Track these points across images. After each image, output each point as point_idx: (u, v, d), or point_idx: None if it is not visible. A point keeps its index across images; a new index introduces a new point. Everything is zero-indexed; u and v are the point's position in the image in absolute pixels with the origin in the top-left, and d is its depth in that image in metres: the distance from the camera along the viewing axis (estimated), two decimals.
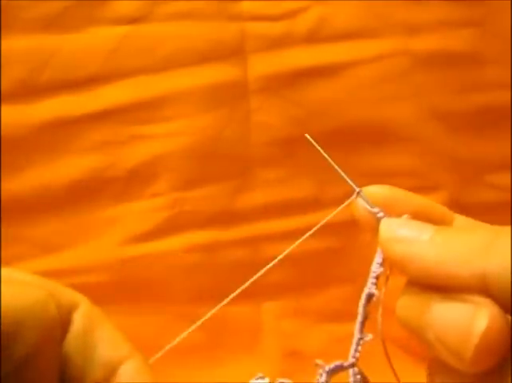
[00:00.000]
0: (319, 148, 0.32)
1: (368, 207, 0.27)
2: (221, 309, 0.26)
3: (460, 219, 0.27)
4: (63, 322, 0.23)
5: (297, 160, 0.58)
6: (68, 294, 0.24)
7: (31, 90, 0.55)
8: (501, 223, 0.63)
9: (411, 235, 0.24)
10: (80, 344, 0.23)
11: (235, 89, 0.57)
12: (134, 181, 0.57)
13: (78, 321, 0.23)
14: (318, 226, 0.29)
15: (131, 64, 0.56)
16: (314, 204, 0.58)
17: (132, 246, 0.58)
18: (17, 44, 0.54)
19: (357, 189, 0.28)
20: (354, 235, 0.57)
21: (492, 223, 0.63)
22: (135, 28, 0.56)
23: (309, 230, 0.28)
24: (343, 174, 0.30)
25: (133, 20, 0.56)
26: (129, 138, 0.57)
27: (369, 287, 0.26)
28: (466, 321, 0.21)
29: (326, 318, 0.60)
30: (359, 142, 0.58)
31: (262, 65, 0.57)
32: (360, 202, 0.28)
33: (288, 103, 0.57)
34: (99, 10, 0.55)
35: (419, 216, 0.25)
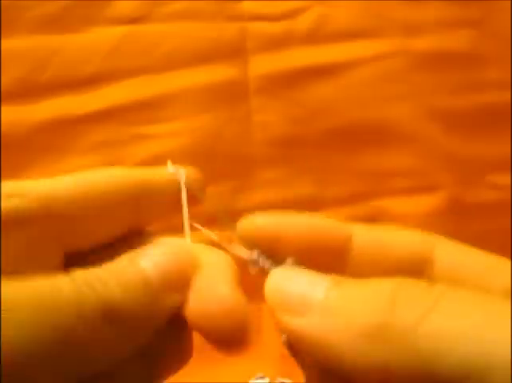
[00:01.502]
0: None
1: (245, 254, 0.22)
2: None
3: (360, 235, 0.23)
4: None
5: (297, 160, 0.58)
6: None
7: (31, 90, 0.55)
8: (501, 222, 0.63)
9: (302, 294, 0.19)
10: None
11: (235, 89, 0.57)
12: None
13: None
14: None
15: (131, 64, 0.56)
16: (314, 204, 0.58)
17: None
18: (18, 44, 0.54)
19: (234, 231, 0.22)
20: None
21: (492, 222, 0.63)
22: (135, 28, 0.56)
23: None
24: (222, 214, 0.23)
25: (133, 20, 0.56)
26: (129, 138, 0.57)
27: None
28: None
29: None
30: (359, 142, 0.58)
31: (263, 64, 0.57)
32: (238, 247, 0.23)
33: (288, 103, 0.57)
34: (99, 10, 0.55)
35: (312, 241, 0.22)
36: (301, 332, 0.18)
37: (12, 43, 0.54)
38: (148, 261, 0.21)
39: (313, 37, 0.57)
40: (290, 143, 0.58)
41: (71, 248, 0.23)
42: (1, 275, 0.18)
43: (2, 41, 0.53)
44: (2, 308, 0.17)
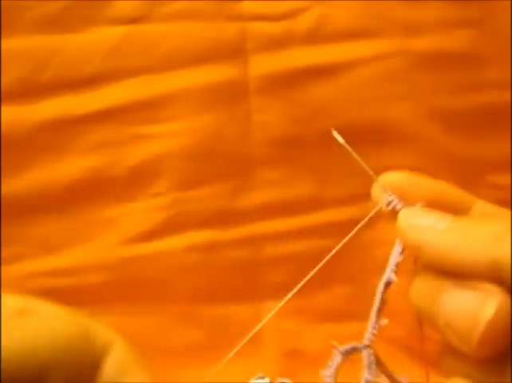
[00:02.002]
0: (344, 142, 0.33)
1: (386, 197, 0.28)
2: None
3: (480, 205, 0.28)
4: (94, 366, 0.22)
5: (297, 160, 0.58)
6: (102, 332, 0.22)
7: (31, 90, 0.55)
8: None
9: (428, 224, 0.25)
10: None
11: (235, 89, 0.57)
12: (134, 181, 0.57)
13: (111, 367, 0.22)
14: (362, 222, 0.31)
15: (131, 64, 0.56)
16: (314, 204, 0.58)
17: (132, 246, 0.58)
18: (18, 44, 0.54)
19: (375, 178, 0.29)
20: (354, 235, 0.57)
21: None
22: (135, 28, 0.56)
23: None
24: (365, 166, 0.32)
25: (133, 20, 0.56)
26: (129, 138, 0.57)
27: (388, 275, 0.27)
28: (475, 309, 0.21)
29: (326, 318, 0.60)
30: (359, 142, 0.58)
31: (263, 64, 0.57)
32: (378, 191, 0.29)
33: (288, 103, 0.57)
34: (99, 10, 0.55)
35: (437, 201, 0.27)
36: (427, 243, 0.24)
37: (12, 43, 0.54)
38: None
39: (313, 37, 0.57)
40: (290, 143, 0.58)
41: None
42: None
43: (2, 41, 0.54)
44: None
